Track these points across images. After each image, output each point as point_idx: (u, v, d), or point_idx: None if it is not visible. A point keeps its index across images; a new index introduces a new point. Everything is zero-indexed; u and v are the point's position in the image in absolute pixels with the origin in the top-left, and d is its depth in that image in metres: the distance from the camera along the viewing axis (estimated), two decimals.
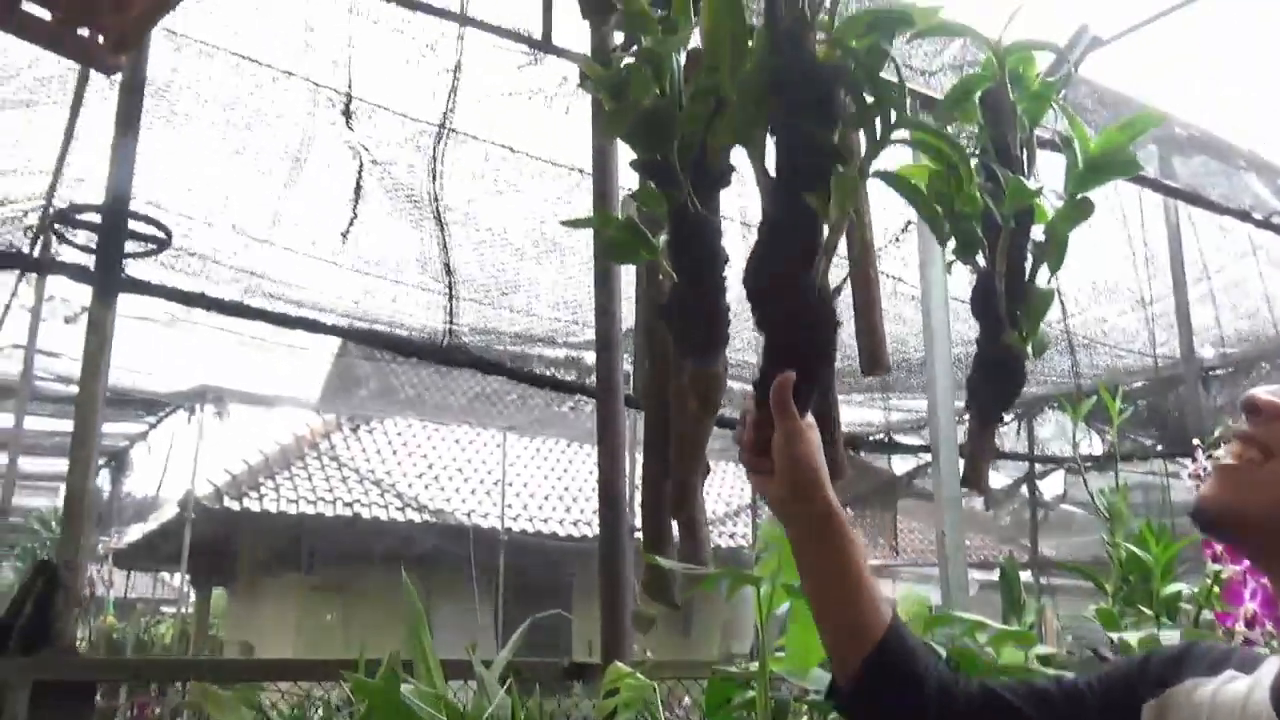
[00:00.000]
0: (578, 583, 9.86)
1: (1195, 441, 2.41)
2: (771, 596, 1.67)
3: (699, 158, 1.31)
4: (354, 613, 8.89)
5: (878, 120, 1.20)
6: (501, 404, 8.23)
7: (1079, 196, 1.42)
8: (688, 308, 1.39)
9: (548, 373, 3.23)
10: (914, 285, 3.69)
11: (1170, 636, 1.78)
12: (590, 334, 2.80)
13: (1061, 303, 4.65)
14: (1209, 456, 2.34)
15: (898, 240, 4.12)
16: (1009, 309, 1.49)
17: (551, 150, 3.24)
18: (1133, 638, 1.78)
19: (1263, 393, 0.94)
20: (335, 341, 7.34)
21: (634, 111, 1.35)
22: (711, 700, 1.94)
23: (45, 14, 1.25)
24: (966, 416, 1.57)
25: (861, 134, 1.24)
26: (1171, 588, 2.31)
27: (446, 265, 2.74)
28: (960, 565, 2.93)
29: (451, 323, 2.75)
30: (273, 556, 10.43)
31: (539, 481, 11.26)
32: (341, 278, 2.99)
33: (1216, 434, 2.38)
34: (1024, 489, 8.58)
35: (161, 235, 2.46)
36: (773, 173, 1.19)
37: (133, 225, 2.38)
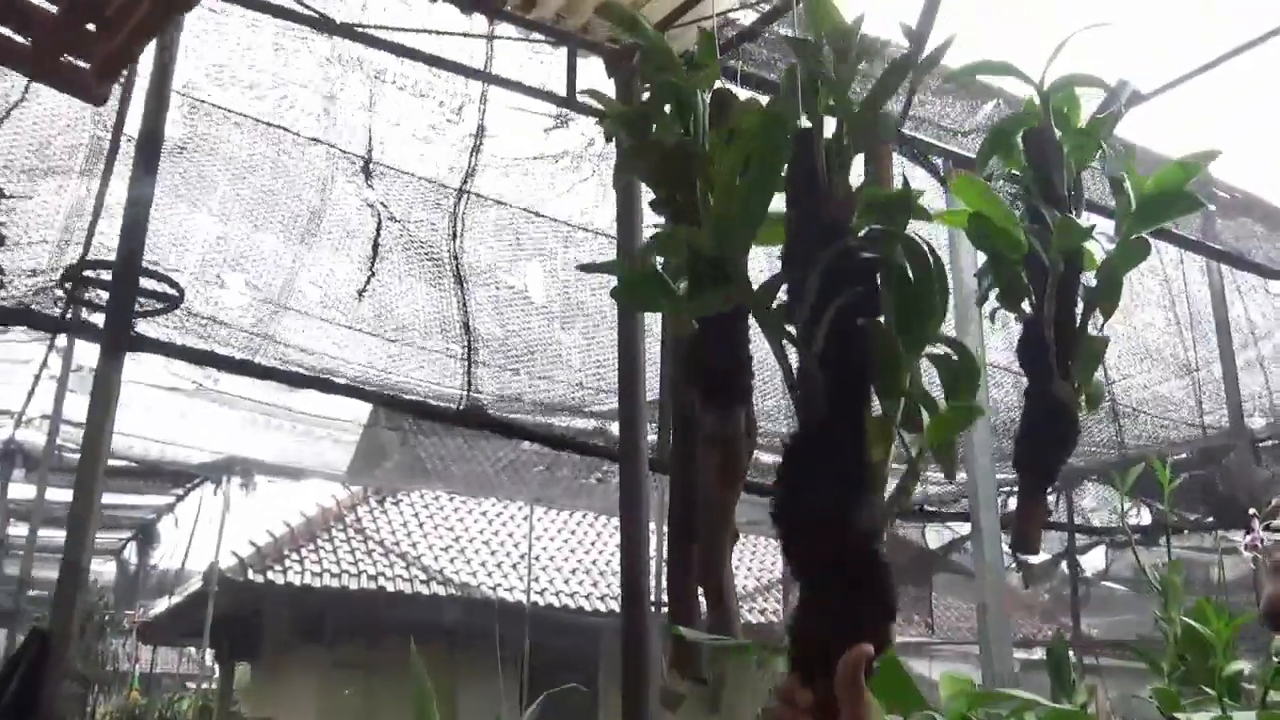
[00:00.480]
0: (605, 659, 9.63)
1: (1251, 511, 2.28)
2: None
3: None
4: (376, 688, 8.71)
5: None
6: (528, 475, 8.14)
7: (1134, 236, 1.33)
8: (707, 357, 1.31)
9: (571, 436, 3.14)
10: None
11: (1244, 719, 1.62)
12: (615, 401, 2.73)
13: (1104, 368, 4.52)
14: (1266, 527, 2.21)
15: None
16: (1059, 358, 1.39)
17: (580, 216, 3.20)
18: (1201, 719, 1.62)
19: None
20: (363, 413, 7.33)
21: (655, 149, 1.28)
22: None
23: (26, 40, 1.20)
24: (1015, 481, 1.47)
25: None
26: (1233, 666, 2.15)
27: (465, 324, 2.67)
28: (1004, 641, 2.79)
29: (470, 383, 2.68)
30: (296, 631, 10.29)
31: (565, 555, 11.10)
32: (361, 342, 2.94)
33: (1273, 503, 2.24)
34: (1064, 565, 8.32)
35: (173, 293, 2.41)
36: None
37: (146, 283, 2.33)
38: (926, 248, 1.00)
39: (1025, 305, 1.42)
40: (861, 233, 1.02)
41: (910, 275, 0.99)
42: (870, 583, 0.86)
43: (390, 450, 8.22)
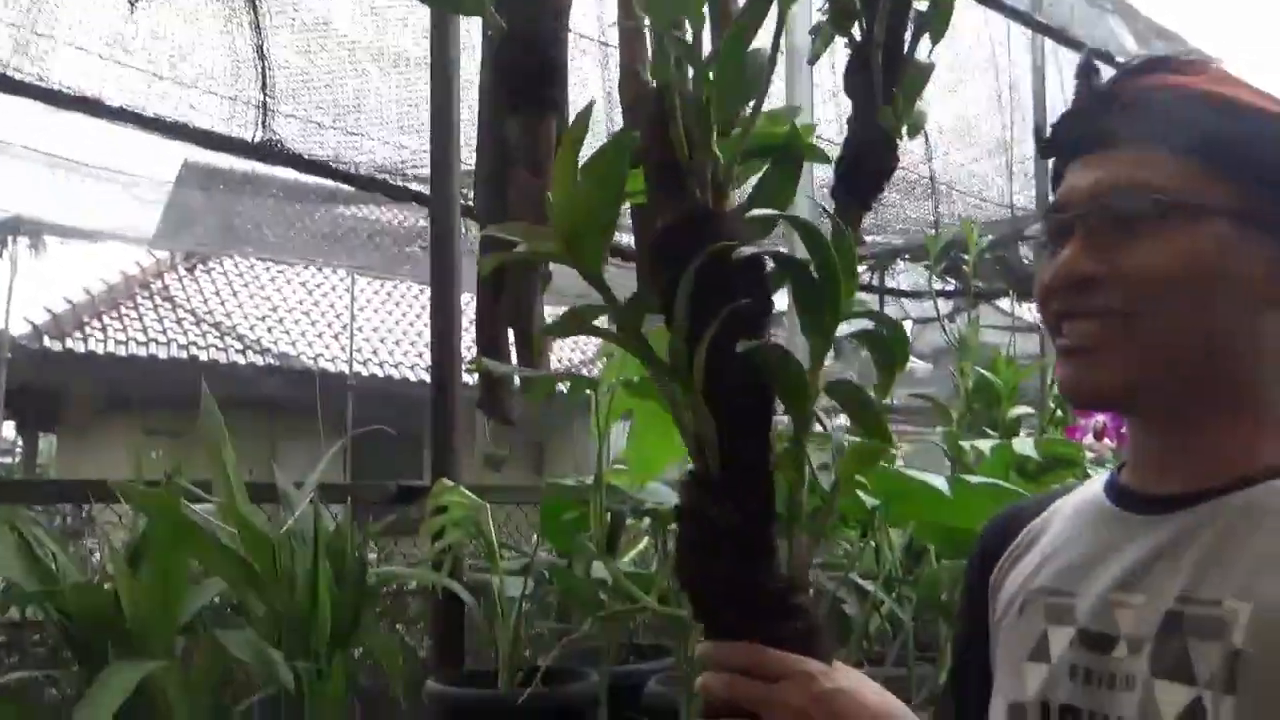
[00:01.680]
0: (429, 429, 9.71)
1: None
2: (610, 404, 1.53)
3: None
4: (192, 454, 8.54)
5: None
6: (349, 243, 7.81)
7: None
8: (517, 58, 1.20)
9: (380, 178, 2.95)
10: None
11: (1023, 445, 1.72)
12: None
13: (926, 144, 4.59)
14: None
15: None
16: (885, 84, 1.35)
17: None
18: (985, 445, 1.72)
19: (1077, 265, 0.80)
20: (169, 172, 6.78)
21: None
22: (546, 516, 1.83)
23: None
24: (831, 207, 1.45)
25: None
26: (1016, 411, 2.30)
27: (259, 49, 2.42)
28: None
29: (266, 112, 2.45)
30: (103, 400, 9.87)
31: (390, 326, 10.92)
32: (144, 80, 2.62)
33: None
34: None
35: None
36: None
37: None
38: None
39: (855, 31, 1.36)
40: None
41: (808, 262, 0.81)
42: (791, 643, 0.77)
43: (200, 213, 7.70)
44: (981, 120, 4.61)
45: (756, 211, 0.80)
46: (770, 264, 0.80)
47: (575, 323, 0.82)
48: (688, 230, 0.78)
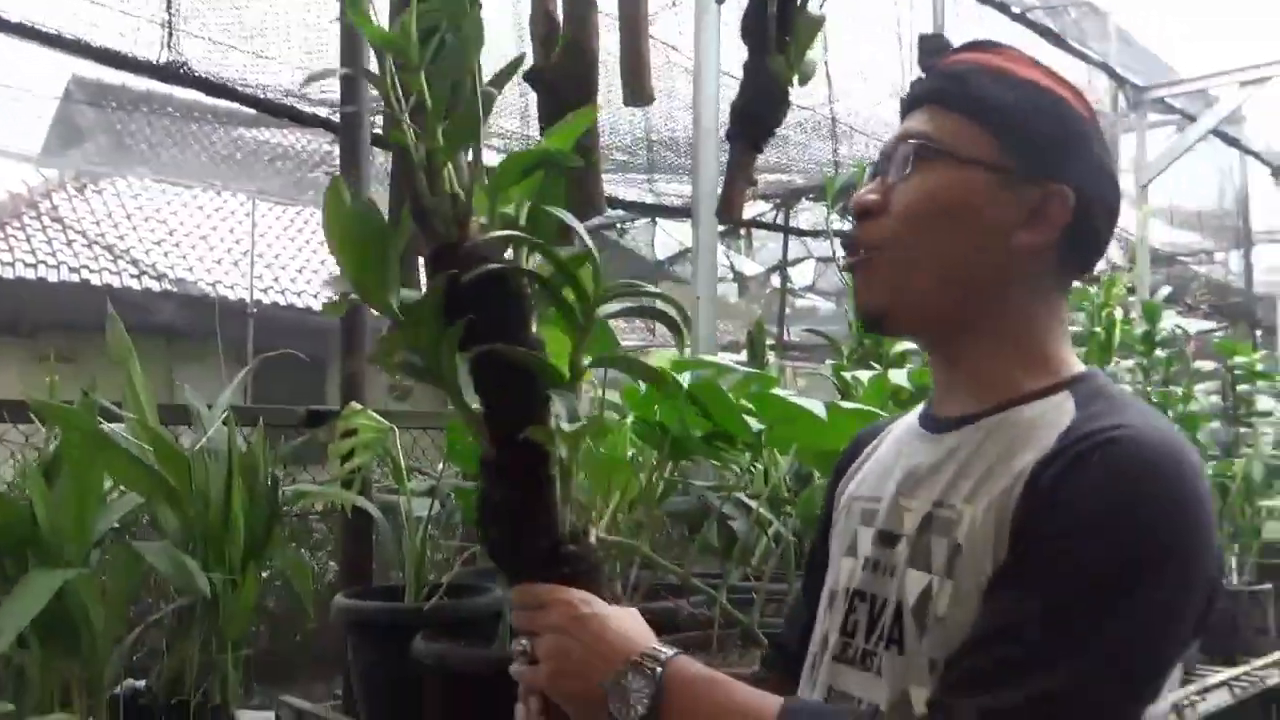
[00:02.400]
0: (332, 361, 9.60)
1: None
2: None
3: None
4: (85, 379, 8.31)
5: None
6: (251, 167, 7.61)
7: None
8: None
9: (286, 103, 2.92)
10: (689, 56, 3.58)
11: (897, 375, 1.86)
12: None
13: (828, 85, 4.69)
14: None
15: (674, 4, 3.97)
16: (779, 33, 1.43)
17: None
18: (864, 375, 1.85)
19: (863, 195, 0.96)
20: (55, 87, 6.50)
21: None
22: (451, 439, 1.90)
23: None
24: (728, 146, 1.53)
25: None
26: (900, 346, 2.44)
27: None
28: (710, 331, 2.99)
29: (172, 32, 2.40)
30: None
31: (292, 253, 10.70)
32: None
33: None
34: (775, 277, 8.96)
35: None
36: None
37: None
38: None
39: None
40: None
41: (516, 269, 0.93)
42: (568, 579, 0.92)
43: (91, 130, 7.40)
44: (883, 65, 4.73)
45: (494, 234, 0.91)
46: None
47: (385, 349, 0.94)
48: (430, 264, 0.92)
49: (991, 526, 0.82)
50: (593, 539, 0.96)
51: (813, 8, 1.45)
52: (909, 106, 0.98)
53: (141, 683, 1.69)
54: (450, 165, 0.92)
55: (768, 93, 1.43)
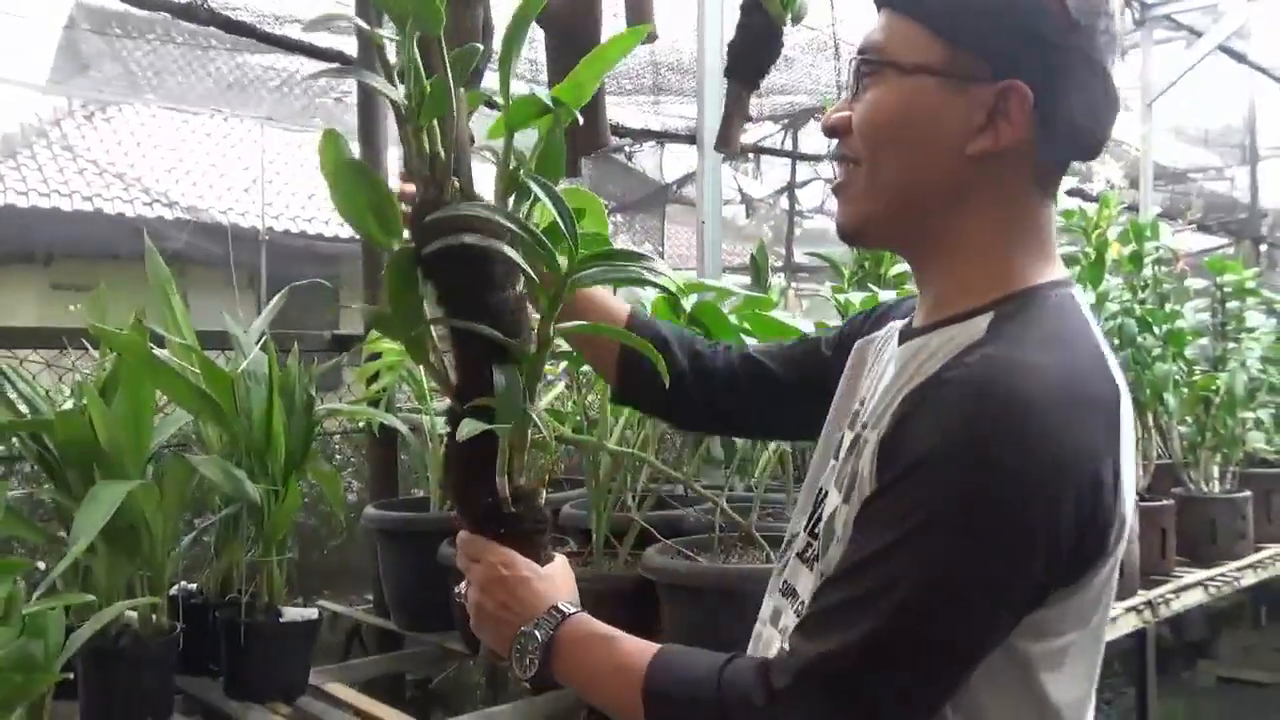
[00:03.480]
0: (346, 284, 9.72)
1: None
2: None
3: None
4: (103, 312, 8.46)
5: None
6: (259, 93, 7.61)
7: None
8: None
9: (303, 41, 2.99)
10: None
11: (886, 294, 1.97)
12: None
13: (832, 5, 4.71)
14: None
15: None
16: None
17: None
18: (856, 297, 1.96)
19: (829, 114, 0.94)
20: (60, 13, 6.49)
21: None
22: None
23: None
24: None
25: None
26: (898, 268, 2.54)
27: None
28: (716, 255, 3.09)
29: None
30: (4, 253, 9.63)
31: (302, 180, 10.74)
32: None
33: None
34: (784, 199, 8.99)
35: None
36: None
37: None
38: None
39: None
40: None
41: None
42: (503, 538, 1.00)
43: (96, 58, 7.40)
44: None
45: (463, 207, 0.95)
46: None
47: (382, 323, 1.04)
48: (410, 225, 0.97)
49: (872, 455, 0.83)
50: (541, 500, 1.03)
51: None
52: (878, 6, 0.93)
53: (193, 585, 1.85)
54: (433, 127, 0.96)
55: (763, 33, 1.52)
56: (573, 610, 0.96)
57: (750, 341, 1.43)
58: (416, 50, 0.94)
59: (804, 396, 1.14)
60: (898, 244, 0.97)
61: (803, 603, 0.95)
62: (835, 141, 0.94)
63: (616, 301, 1.24)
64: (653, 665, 0.88)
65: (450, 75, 0.95)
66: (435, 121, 0.96)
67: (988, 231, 0.88)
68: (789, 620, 0.97)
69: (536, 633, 0.93)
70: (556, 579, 0.99)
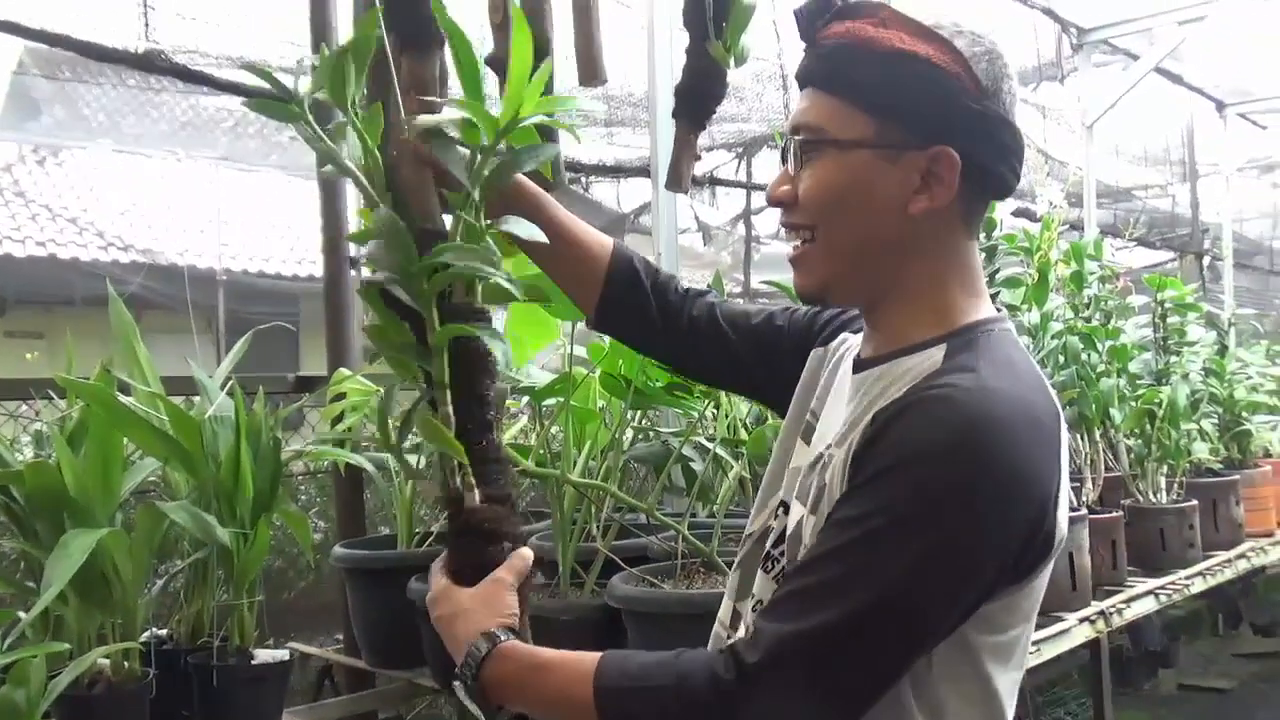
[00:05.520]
0: (305, 322, 9.67)
1: None
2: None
3: None
4: (58, 353, 8.37)
5: None
6: (213, 134, 7.59)
7: None
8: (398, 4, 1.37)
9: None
10: (641, 14, 3.70)
11: None
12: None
13: (777, 38, 4.81)
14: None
15: None
16: (715, 20, 1.57)
17: None
18: None
19: (773, 190, 1.02)
20: (9, 58, 6.46)
21: None
22: None
23: None
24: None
25: None
26: None
27: None
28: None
29: (148, 24, 2.50)
30: None
31: (258, 219, 10.69)
32: None
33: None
34: (740, 226, 9.09)
35: None
36: None
37: None
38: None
39: None
40: None
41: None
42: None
43: (47, 102, 7.36)
44: None
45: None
46: None
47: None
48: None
49: (841, 467, 0.91)
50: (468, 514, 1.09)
51: None
52: (800, 83, 1.00)
53: (163, 630, 1.86)
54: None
55: (708, 75, 1.58)
56: (504, 637, 1.00)
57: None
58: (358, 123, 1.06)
59: (751, 363, 1.24)
60: (857, 301, 1.06)
61: (761, 602, 1.02)
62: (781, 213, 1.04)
63: (599, 234, 1.31)
64: (602, 663, 0.92)
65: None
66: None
67: (930, 275, 0.98)
68: (750, 622, 1.02)
69: (469, 663, 0.99)
70: (483, 605, 1.03)
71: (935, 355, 0.94)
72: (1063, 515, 0.91)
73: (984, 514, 0.84)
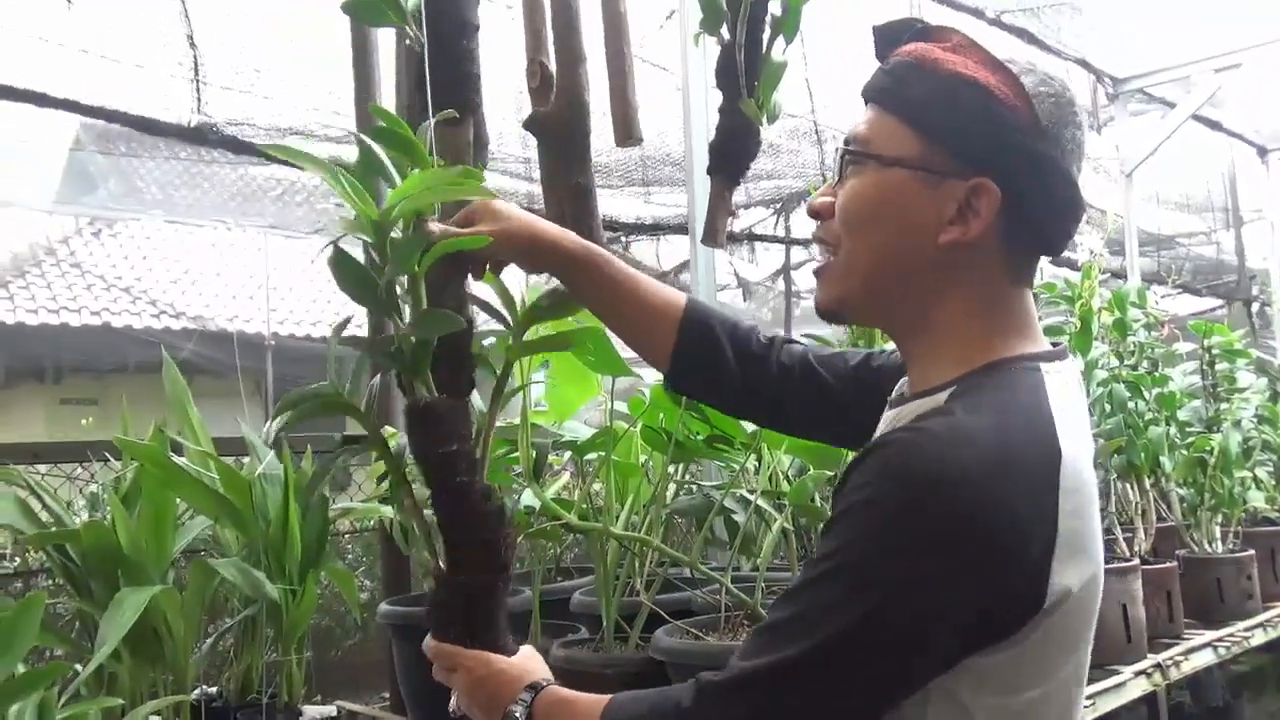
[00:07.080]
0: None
1: None
2: (529, 358, 1.79)
3: None
4: (112, 419, 8.55)
5: None
6: (261, 202, 7.80)
7: None
8: (436, 72, 1.42)
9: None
10: (677, 75, 3.77)
11: None
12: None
13: (810, 96, 4.87)
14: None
15: (662, 27, 4.16)
16: (747, 79, 1.61)
17: None
18: None
19: (814, 198, 1.02)
20: (66, 134, 6.70)
21: None
22: None
23: None
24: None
25: None
26: (890, 345, 2.61)
27: (190, 38, 2.57)
28: None
29: (200, 99, 2.60)
30: (13, 371, 9.76)
31: (305, 284, 10.92)
32: (73, 60, 2.73)
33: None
34: (780, 281, 9.12)
35: None
36: None
37: None
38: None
39: (724, 31, 1.62)
40: None
41: None
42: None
43: (102, 176, 7.60)
44: (865, 70, 4.88)
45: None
46: None
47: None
48: None
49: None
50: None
51: (776, 54, 1.63)
52: (866, 100, 0.99)
53: (213, 688, 1.89)
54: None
55: (741, 132, 1.61)
56: (545, 683, 1.06)
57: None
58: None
59: (852, 404, 1.19)
60: (874, 323, 1.07)
61: None
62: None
63: (672, 291, 1.29)
64: (613, 700, 0.97)
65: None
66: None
67: (959, 314, 0.94)
68: None
69: (516, 709, 1.03)
70: (527, 663, 1.10)
71: (940, 398, 0.90)
72: (1069, 567, 0.83)
73: (927, 568, 0.79)
